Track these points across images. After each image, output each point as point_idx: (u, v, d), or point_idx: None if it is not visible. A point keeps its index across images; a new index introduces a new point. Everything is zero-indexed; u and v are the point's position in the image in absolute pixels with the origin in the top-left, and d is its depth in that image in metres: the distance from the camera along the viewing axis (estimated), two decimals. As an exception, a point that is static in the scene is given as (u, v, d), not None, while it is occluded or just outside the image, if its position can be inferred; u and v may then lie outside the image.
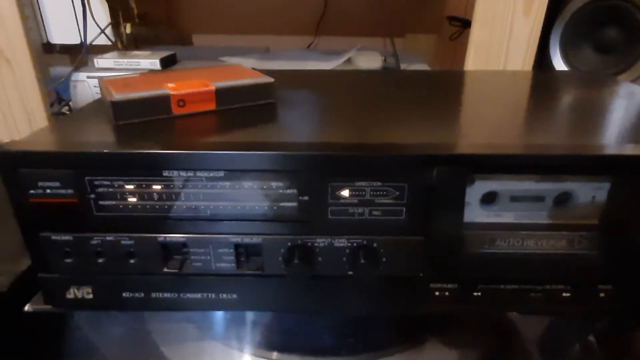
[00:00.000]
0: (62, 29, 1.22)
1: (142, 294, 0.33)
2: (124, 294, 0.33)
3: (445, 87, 0.48)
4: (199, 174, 0.28)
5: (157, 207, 0.30)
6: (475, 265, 0.32)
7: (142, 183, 0.29)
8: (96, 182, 0.29)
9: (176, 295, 0.33)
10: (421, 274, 0.32)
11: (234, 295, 0.33)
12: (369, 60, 0.84)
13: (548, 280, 0.32)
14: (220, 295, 0.33)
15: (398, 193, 0.29)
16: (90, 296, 0.33)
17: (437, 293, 0.33)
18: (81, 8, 1.04)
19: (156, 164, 0.28)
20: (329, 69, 0.81)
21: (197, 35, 1.39)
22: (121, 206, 0.29)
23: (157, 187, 0.29)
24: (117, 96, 0.33)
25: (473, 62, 0.73)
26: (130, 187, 0.29)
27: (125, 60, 0.83)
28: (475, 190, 0.31)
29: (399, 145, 0.29)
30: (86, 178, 0.28)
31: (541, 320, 0.41)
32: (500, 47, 0.71)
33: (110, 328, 0.39)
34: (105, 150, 0.28)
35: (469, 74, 0.56)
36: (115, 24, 1.20)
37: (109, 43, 1.17)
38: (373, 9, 1.29)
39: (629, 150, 0.29)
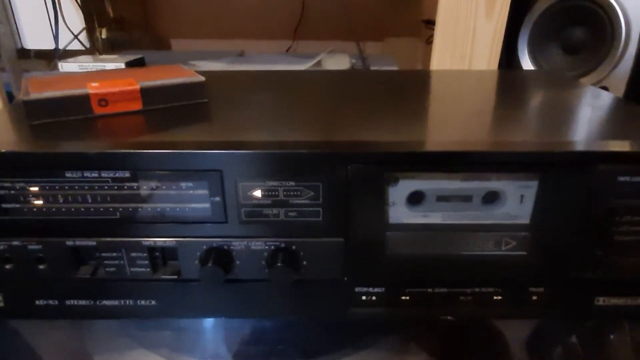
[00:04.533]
0: (36, 35, 1.21)
1: (56, 301, 0.31)
2: (36, 302, 0.31)
3: (394, 86, 0.47)
4: (103, 174, 0.27)
5: (63, 209, 0.28)
6: (402, 268, 0.31)
7: (45, 185, 0.27)
8: (-4, 184, 0.27)
9: (92, 302, 0.31)
10: (345, 278, 0.31)
11: (153, 302, 0.32)
12: (338, 63, 0.84)
13: (478, 282, 0.31)
14: (138, 301, 0.31)
15: (313, 193, 0.28)
16: (2, 304, 0.31)
17: (363, 297, 0.31)
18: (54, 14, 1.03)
19: (56, 165, 0.27)
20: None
21: (176, 39, 1.39)
22: (25, 209, 0.28)
23: (60, 189, 0.28)
24: (32, 95, 0.32)
25: (438, 63, 0.72)
26: (33, 189, 0.28)
27: (90, 64, 0.81)
28: (400, 190, 0.30)
29: (311, 143, 0.27)
30: (-16, 179, 0.27)
31: (523, 322, 0.40)
32: (464, 48, 0.71)
33: (40, 335, 0.38)
34: (2, 150, 0.26)
35: (425, 74, 0.55)
36: (90, 29, 1.19)
37: (85, 48, 1.16)
38: (351, 13, 1.28)
39: (555, 147, 0.28)
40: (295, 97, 0.42)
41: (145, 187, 0.28)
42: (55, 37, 1.05)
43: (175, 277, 0.30)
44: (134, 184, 0.28)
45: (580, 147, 0.28)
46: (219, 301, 0.32)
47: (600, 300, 0.31)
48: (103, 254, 0.29)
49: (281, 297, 0.32)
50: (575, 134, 0.31)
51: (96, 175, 0.27)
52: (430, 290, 0.31)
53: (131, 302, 0.31)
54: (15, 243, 0.29)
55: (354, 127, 0.32)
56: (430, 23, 1.20)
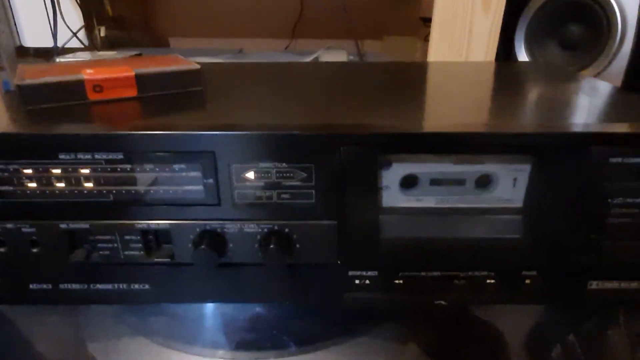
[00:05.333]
0: (35, 33, 1.21)
1: (50, 286, 0.31)
2: (30, 286, 0.31)
3: (389, 76, 0.47)
4: (97, 156, 0.27)
5: (56, 192, 0.28)
6: (395, 251, 0.31)
7: (39, 167, 0.28)
8: (-11, 166, 0.27)
9: (86, 286, 0.31)
10: (339, 262, 0.31)
11: (147, 286, 0.32)
12: (336, 59, 0.84)
13: (472, 266, 0.31)
14: (132, 285, 0.31)
15: (305, 175, 0.28)
16: (-5, 288, 0.31)
17: (356, 281, 0.31)
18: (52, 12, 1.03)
19: (49, 147, 0.27)
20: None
21: (175, 38, 1.39)
22: (19, 192, 0.28)
23: (54, 170, 0.28)
24: (27, 80, 0.32)
25: (435, 59, 0.72)
26: (27, 171, 0.28)
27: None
28: (393, 174, 0.30)
29: (304, 125, 0.28)
30: (-22, 161, 0.27)
31: (520, 319, 0.40)
32: (461, 43, 0.71)
33: (32, 322, 0.38)
34: (-5, 132, 0.27)
35: (420, 65, 0.55)
36: (89, 27, 1.19)
37: (83, 46, 1.16)
38: (349, 12, 1.29)
39: (547, 129, 0.28)
40: (291, 87, 0.42)
41: (138, 169, 0.28)
42: (54, 35, 1.05)
43: (169, 260, 0.30)
44: (127, 166, 0.28)
45: (572, 129, 0.28)
46: (213, 285, 0.32)
47: (594, 284, 0.31)
48: (97, 237, 0.29)
49: (274, 281, 0.32)
50: (569, 118, 0.31)
51: (89, 157, 0.27)
52: (423, 274, 0.31)
53: (125, 286, 0.31)
54: (9, 226, 0.29)
55: (348, 111, 0.33)
56: (428, 21, 1.20)
